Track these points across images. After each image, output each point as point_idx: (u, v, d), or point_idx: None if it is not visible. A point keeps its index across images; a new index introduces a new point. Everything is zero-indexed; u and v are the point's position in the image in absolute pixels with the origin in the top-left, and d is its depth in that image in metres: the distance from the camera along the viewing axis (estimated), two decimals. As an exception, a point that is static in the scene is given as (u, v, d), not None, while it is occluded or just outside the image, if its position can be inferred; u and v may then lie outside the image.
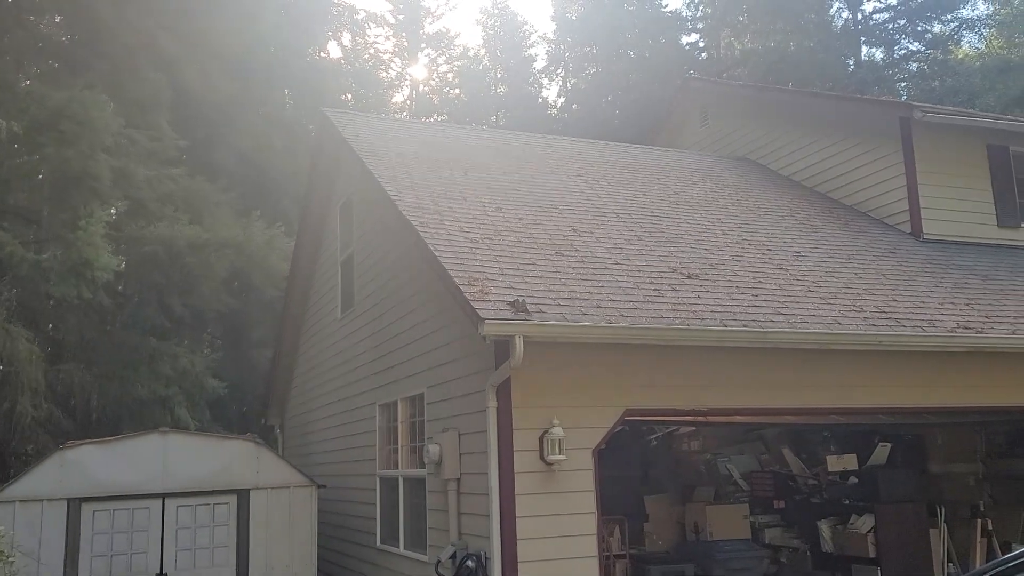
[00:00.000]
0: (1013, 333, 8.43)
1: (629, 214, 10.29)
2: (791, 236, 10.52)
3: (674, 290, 7.92)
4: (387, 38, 40.19)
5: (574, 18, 40.11)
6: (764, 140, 14.37)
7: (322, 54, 29.44)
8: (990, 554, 10.24)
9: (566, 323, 6.76)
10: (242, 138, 21.35)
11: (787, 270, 9.14)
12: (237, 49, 21.05)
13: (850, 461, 10.76)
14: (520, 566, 6.67)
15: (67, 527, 9.30)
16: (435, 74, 42.90)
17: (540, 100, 41.96)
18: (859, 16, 36.24)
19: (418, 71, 42.26)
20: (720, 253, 9.37)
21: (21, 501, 9.17)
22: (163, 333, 18.00)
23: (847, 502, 10.57)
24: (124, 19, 18.49)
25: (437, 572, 7.51)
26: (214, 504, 9.91)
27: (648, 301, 7.52)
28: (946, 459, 11.65)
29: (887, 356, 8.10)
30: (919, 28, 35.34)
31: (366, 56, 35.30)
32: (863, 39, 36.14)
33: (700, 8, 39.43)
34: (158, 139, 18.12)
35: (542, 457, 6.83)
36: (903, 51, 36.16)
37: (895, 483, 10.26)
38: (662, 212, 10.68)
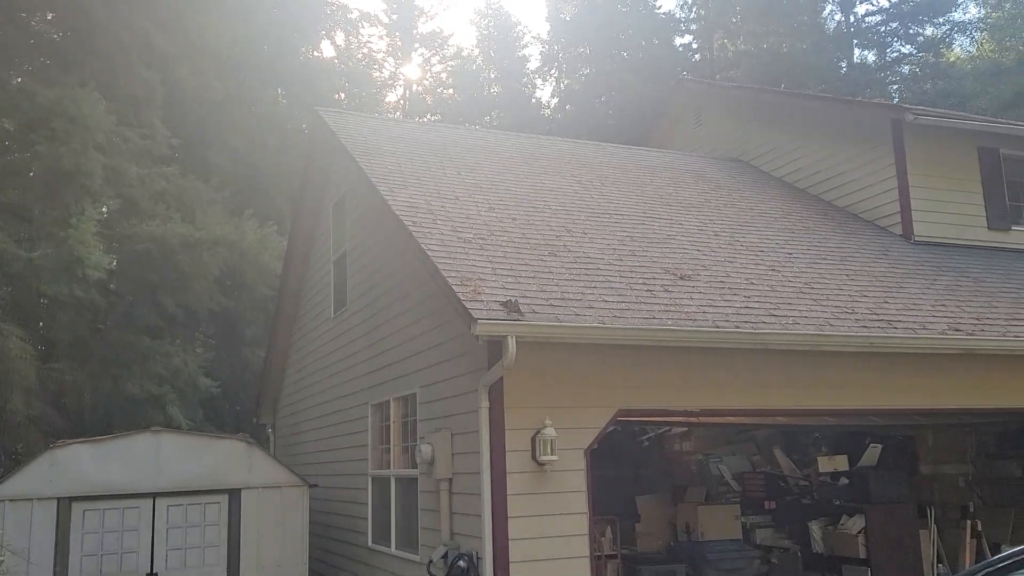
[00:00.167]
0: (1003, 335, 8.47)
1: (622, 215, 10.31)
2: (783, 238, 10.55)
3: (667, 291, 7.93)
4: (381, 37, 40.22)
5: (568, 19, 40.15)
6: (757, 142, 14.40)
7: (315, 53, 29.39)
8: (979, 555, 10.29)
9: (559, 323, 6.77)
10: (235, 137, 21.30)
11: (779, 272, 9.17)
12: (230, 48, 21.00)
13: (841, 462, 10.80)
14: (512, 566, 6.68)
15: (57, 526, 9.26)
16: (428, 74, 42.93)
17: (534, 100, 42.02)
18: (852, 18, 36.41)
19: (411, 71, 42.31)
20: (713, 254, 9.39)
21: (11, 500, 9.12)
22: (155, 332, 17.93)
23: (838, 503, 10.61)
24: (117, 16, 18.42)
25: (429, 572, 7.51)
26: (205, 504, 9.88)
27: (641, 302, 7.53)
28: (936, 460, 11.71)
29: (878, 358, 8.13)
30: (911, 31, 35.53)
31: (359, 55, 35.27)
32: (856, 41, 36.31)
33: (694, 9, 39.53)
34: (151, 137, 18.06)
35: (534, 457, 6.84)
36: (895, 54, 36.36)
37: (886, 484, 10.30)
38: (655, 213, 10.70)
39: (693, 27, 39.67)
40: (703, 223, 10.61)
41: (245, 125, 21.69)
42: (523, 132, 17.44)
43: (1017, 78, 29.38)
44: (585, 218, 9.88)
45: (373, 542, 9.80)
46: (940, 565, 10.33)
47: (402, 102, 41.48)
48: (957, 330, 8.35)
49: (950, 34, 36.12)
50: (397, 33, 40.87)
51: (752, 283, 8.62)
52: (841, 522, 10.43)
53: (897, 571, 9.82)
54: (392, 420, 9.49)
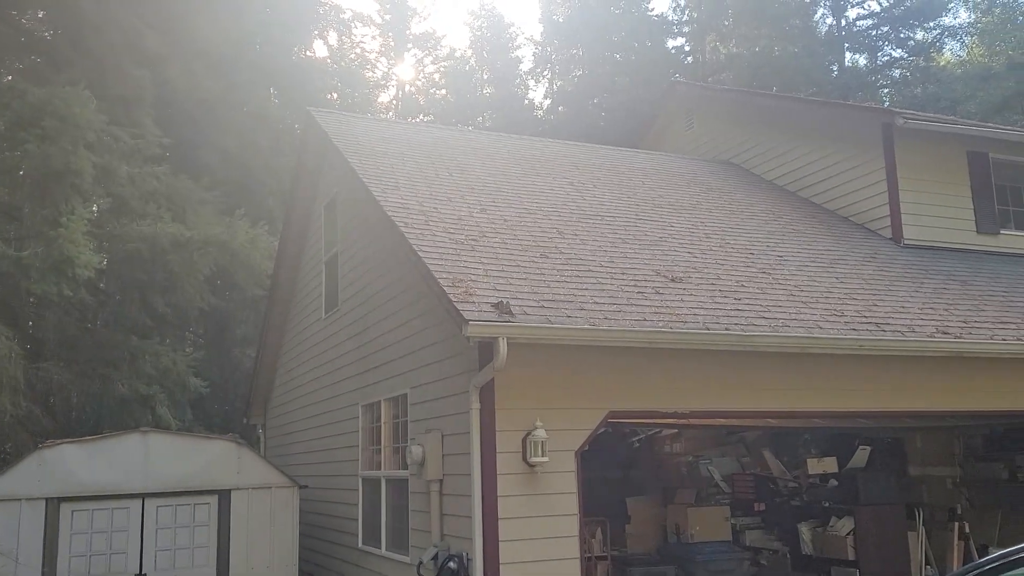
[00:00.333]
0: (991, 338, 8.53)
1: (614, 217, 10.33)
2: (774, 240, 10.59)
3: (658, 293, 7.95)
4: (373, 38, 40.15)
5: (561, 20, 40.19)
6: (748, 144, 14.45)
7: (308, 53, 29.33)
8: (967, 557, 10.34)
9: (550, 325, 6.78)
10: (226, 136, 21.24)
11: (770, 274, 9.20)
12: (222, 47, 20.95)
13: (830, 464, 10.84)
14: (502, 568, 6.68)
15: (46, 527, 9.22)
16: (421, 74, 42.93)
17: (526, 102, 42.01)
18: (843, 22, 36.57)
19: (404, 71, 42.28)
20: (704, 256, 9.42)
21: (-1, 500, 9.10)
22: (145, 331, 17.87)
23: (827, 504, 10.65)
24: (108, 15, 18.38)
25: (419, 573, 7.51)
26: (194, 504, 9.86)
27: (632, 304, 7.55)
28: (925, 462, 11.77)
29: (867, 360, 8.17)
30: (902, 35, 35.71)
31: (352, 56, 35.18)
32: (847, 45, 36.46)
33: (686, 12, 39.63)
34: (141, 136, 18.00)
35: (525, 459, 6.85)
36: (886, 57, 36.54)
37: (874, 486, 10.35)
38: (647, 215, 10.72)
39: (685, 30, 39.78)
40: (694, 225, 10.64)
41: (236, 125, 21.64)
42: (515, 133, 17.44)
43: (1007, 82, 29.55)
44: (577, 220, 9.89)
45: (363, 543, 9.79)
46: (928, 567, 10.38)
47: (395, 103, 41.49)
48: (945, 333, 8.40)
49: (940, 38, 36.34)
50: (390, 33, 40.83)
51: (743, 285, 8.65)
52: (830, 524, 10.47)
53: (885, 573, 9.86)
54: (383, 421, 9.48)
